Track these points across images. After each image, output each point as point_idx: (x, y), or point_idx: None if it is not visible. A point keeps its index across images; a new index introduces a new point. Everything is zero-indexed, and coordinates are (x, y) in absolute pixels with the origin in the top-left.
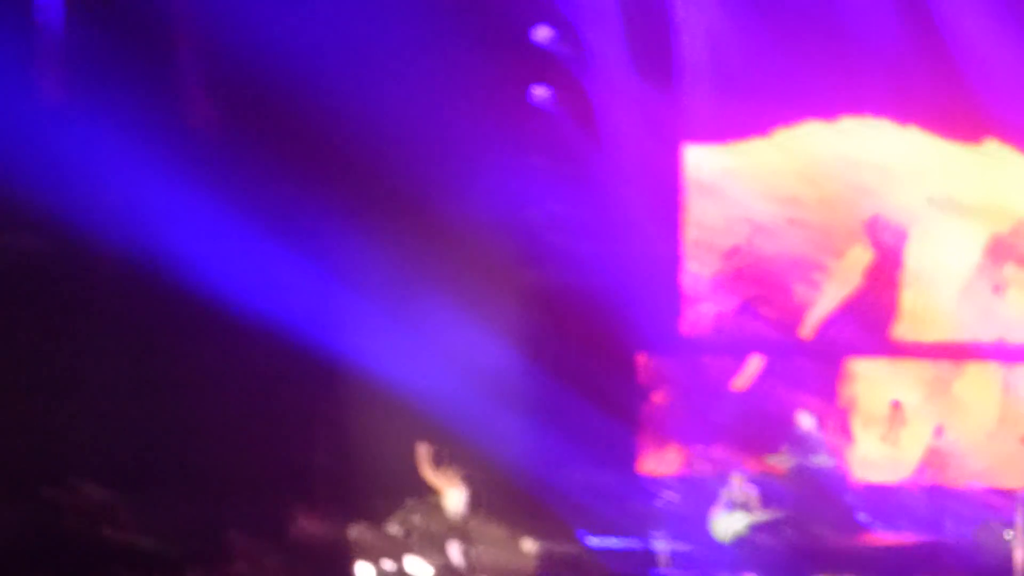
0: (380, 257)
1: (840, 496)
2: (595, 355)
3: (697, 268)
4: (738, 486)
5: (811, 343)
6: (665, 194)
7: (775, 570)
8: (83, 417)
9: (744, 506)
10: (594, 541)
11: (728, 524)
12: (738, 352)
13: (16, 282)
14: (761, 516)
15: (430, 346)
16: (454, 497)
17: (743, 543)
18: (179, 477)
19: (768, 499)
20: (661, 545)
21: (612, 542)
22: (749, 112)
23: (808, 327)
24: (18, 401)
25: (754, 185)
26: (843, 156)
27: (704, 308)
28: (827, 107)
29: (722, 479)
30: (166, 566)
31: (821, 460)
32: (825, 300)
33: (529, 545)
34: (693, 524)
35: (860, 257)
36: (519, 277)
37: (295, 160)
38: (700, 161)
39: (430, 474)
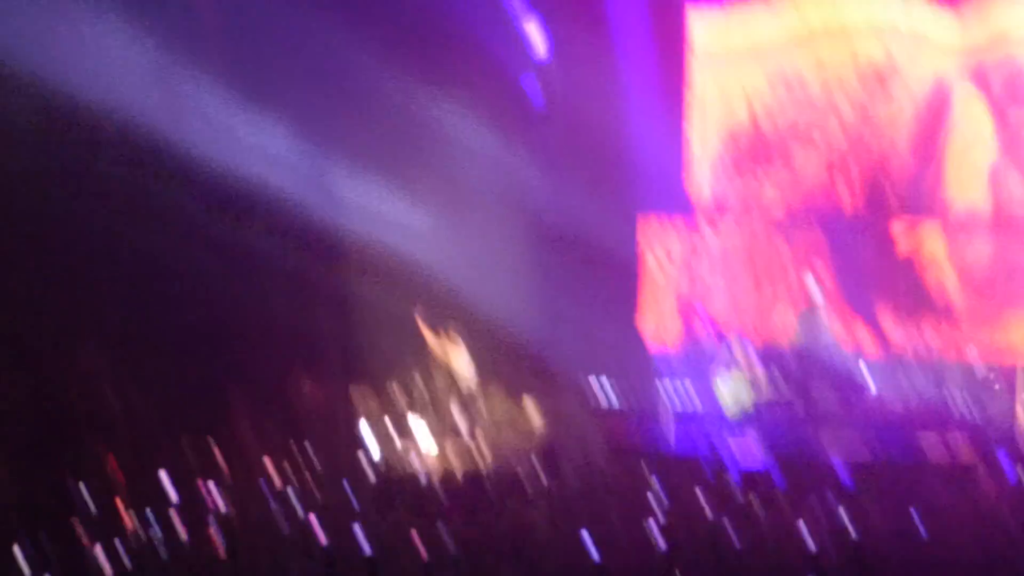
0: (377, 120)
1: (847, 371)
2: (599, 215)
3: (701, 132)
4: (744, 358)
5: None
6: (670, 57)
7: (780, 444)
8: (81, 282)
9: (751, 379)
10: (597, 403)
11: (735, 396)
12: (742, 216)
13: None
14: (766, 392)
15: (433, 208)
16: (457, 359)
17: (748, 415)
18: (180, 342)
19: (774, 375)
20: (664, 408)
21: (615, 404)
22: None
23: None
24: (15, 268)
25: (755, 53)
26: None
27: (709, 172)
28: None
29: (727, 348)
30: (167, 429)
31: (828, 334)
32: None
33: (531, 406)
34: (697, 390)
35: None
36: (522, 137)
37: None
38: (703, 28)
39: (431, 338)
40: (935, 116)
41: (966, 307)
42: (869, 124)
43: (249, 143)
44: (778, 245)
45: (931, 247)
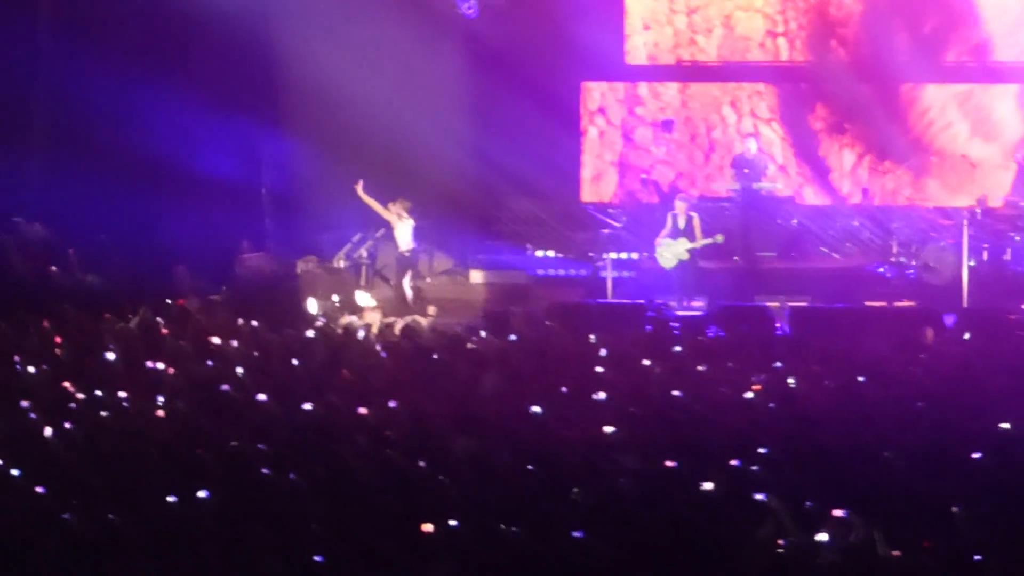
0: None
1: (785, 219)
2: (541, 82)
3: None
4: (681, 212)
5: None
6: None
7: (717, 293)
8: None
9: (687, 232)
10: (540, 269)
11: (672, 250)
12: (684, 78)
13: None
14: (704, 241)
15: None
16: (401, 230)
17: (686, 267)
18: (127, 218)
19: (711, 225)
20: (606, 272)
21: (558, 269)
22: None
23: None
24: None
25: None
26: None
27: (645, 38)
28: None
29: (665, 205)
30: (115, 304)
31: (766, 184)
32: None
33: (477, 276)
34: (637, 249)
35: None
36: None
37: None
38: None
39: (375, 206)
40: None
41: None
42: None
43: None
44: (714, 99)
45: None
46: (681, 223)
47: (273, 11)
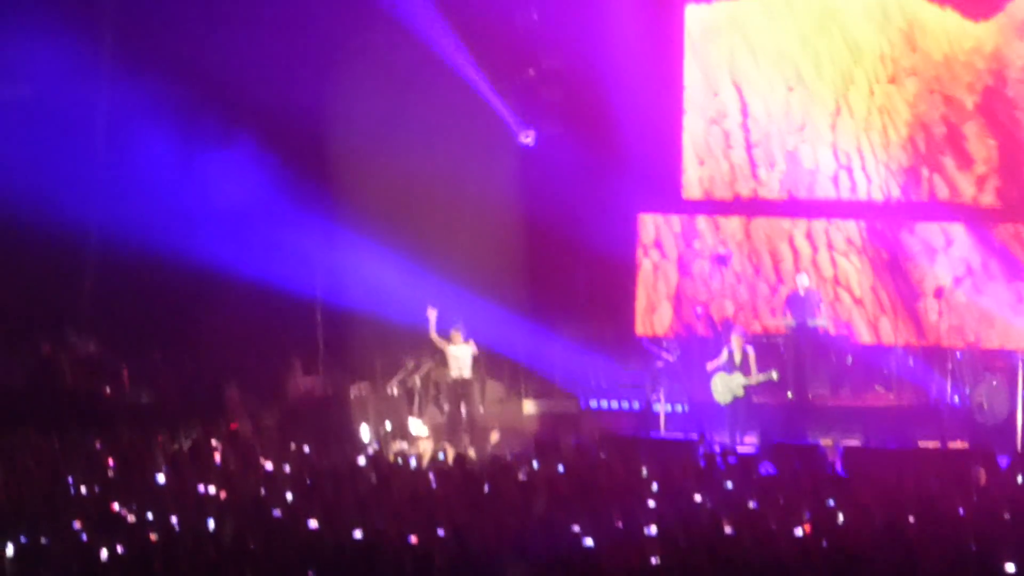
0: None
1: (839, 357)
2: (595, 213)
3: (694, 129)
4: (737, 347)
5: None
6: (665, 51)
7: (771, 429)
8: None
9: (743, 367)
10: (592, 400)
11: (727, 385)
12: (738, 213)
13: None
14: (759, 377)
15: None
16: (457, 357)
17: (740, 403)
18: (179, 334)
19: (767, 361)
20: (659, 405)
21: (609, 401)
22: None
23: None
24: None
25: (748, 45)
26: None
27: (700, 173)
28: None
29: (719, 339)
30: (165, 422)
31: (820, 321)
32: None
33: (529, 405)
34: (691, 384)
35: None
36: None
37: None
38: (697, 19)
39: (435, 336)
40: None
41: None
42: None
43: None
44: (783, 231)
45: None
46: (737, 358)
47: (331, 121)
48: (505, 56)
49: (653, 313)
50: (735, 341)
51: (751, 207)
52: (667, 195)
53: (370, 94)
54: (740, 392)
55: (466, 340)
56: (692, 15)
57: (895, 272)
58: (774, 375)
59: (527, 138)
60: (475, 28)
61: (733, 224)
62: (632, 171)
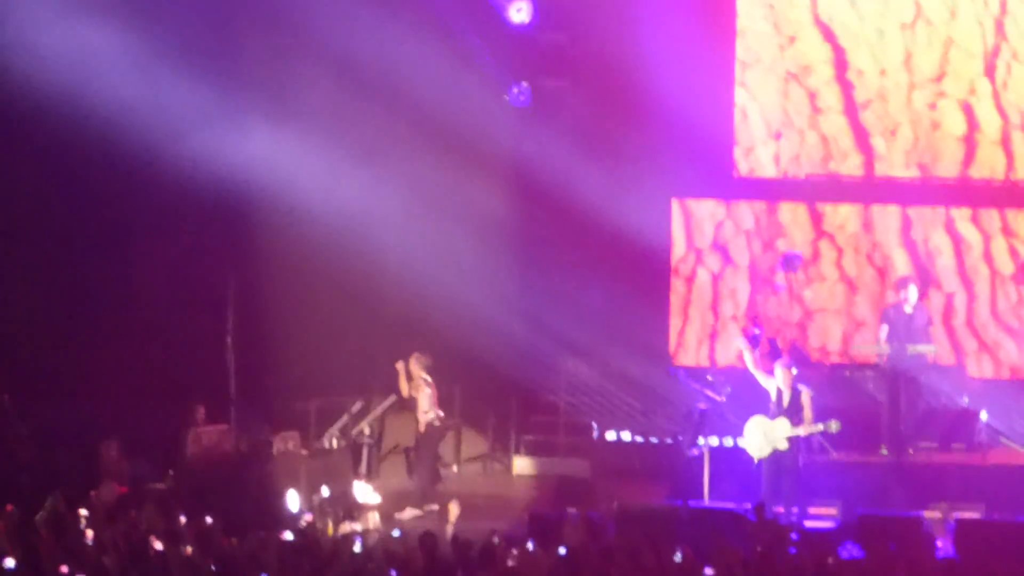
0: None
1: (951, 396)
2: (614, 199)
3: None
4: (784, 384)
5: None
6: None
7: (855, 496)
8: None
9: (791, 412)
10: (606, 456)
11: (765, 432)
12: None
13: None
14: (812, 428)
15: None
16: (425, 394)
17: (781, 460)
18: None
19: (846, 402)
20: (701, 462)
21: (631, 458)
22: None
23: None
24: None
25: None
26: None
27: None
28: None
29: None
30: (18, 492)
31: (925, 347)
32: None
33: (520, 464)
34: (735, 423)
35: None
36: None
37: None
38: None
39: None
40: None
41: None
42: None
43: None
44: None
45: None
46: (785, 399)
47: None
48: None
49: (693, 337)
50: (781, 375)
51: (863, 190)
52: (715, 175)
53: None
54: (783, 445)
55: (426, 371)
56: None
57: None
58: (833, 426)
59: (520, 95)
60: None
61: (839, 213)
62: (664, 142)
